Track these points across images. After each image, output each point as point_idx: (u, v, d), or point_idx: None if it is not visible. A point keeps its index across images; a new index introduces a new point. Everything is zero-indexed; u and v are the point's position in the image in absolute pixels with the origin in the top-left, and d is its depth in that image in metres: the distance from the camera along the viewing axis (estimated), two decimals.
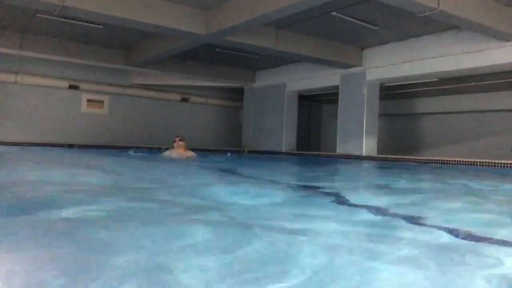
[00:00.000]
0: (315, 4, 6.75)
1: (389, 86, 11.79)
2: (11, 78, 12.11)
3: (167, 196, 3.02)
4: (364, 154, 10.78)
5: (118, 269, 1.24)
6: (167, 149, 8.97)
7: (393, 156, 10.60)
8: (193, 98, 15.76)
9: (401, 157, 10.42)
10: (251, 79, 14.63)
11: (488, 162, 8.72)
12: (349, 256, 1.48)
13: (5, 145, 11.17)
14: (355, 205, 2.85)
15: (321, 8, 7.59)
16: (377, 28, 9.01)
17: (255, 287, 1.14)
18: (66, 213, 2.09)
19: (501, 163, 8.48)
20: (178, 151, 8.19)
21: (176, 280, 1.18)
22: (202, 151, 11.45)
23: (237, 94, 15.82)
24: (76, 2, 7.18)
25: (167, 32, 8.77)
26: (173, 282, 1.16)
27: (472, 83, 11.70)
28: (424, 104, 15.03)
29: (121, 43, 11.58)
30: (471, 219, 2.52)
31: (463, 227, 2.12)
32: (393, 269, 1.36)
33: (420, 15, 6.86)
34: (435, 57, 9.37)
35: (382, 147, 12.47)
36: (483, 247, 1.72)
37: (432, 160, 9.82)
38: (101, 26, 9.61)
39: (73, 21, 9.23)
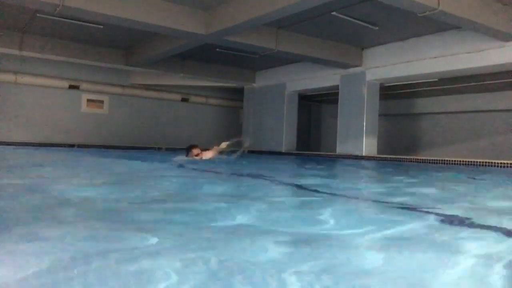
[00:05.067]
0: (315, 4, 6.75)
1: (389, 86, 11.79)
2: (11, 78, 12.11)
3: None
4: (364, 154, 10.78)
5: None
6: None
7: (393, 156, 10.60)
8: (193, 98, 15.76)
9: (401, 157, 10.42)
10: (251, 79, 14.63)
11: (488, 162, 8.72)
12: None
13: (5, 145, 11.17)
14: None
15: (321, 8, 7.59)
16: (377, 28, 9.01)
17: None
18: None
19: (501, 163, 8.48)
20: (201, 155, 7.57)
21: None
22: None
23: (237, 94, 15.82)
24: (76, 2, 7.17)
25: (167, 32, 8.77)
26: None
27: (472, 83, 11.70)
28: (424, 104, 15.04)
29: (121, 43, 11.57)
30: None
31: None
32: None
33: (420, 15, 6.86)
34: (435, 57, 9.37)
35: (382, 147, 12.48)
36: None
37: (432, 160, 9.82)
38: (101, 26, 9.61)
39: (73, 21, 9.23)
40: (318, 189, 3.62)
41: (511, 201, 3.58)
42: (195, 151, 7.41)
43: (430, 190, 3.97)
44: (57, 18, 8.96)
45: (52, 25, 9.86)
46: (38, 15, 8.91)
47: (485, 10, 7.26)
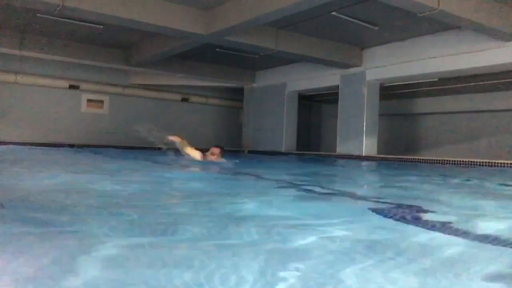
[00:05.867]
0: (315, 4, 6.75)
1: (389, 86, 11.79)
2: (11, 78, 12.11)
3: None
4: (364, 154, 10.78)
5: None
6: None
7: (393, 156, 10.61)
8: (193, 98, 15.76)
9: (401, 157, 10.42)
10: (251, 79, 14.63)
11: (488, 162, 8.72)
12: None
13: (5, 145, 11.17)
14: None
15: (321, 8, 7.58)
16: (377, 28, 9.01)
17: None
18: None
19: (501, 163, 8.48)
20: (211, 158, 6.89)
21: None
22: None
23: (237, 94, 15.82)
24: (76, 2, 7.17)
25: (167, 32, 8.77)
26: None
27: (472, 83, 11.70)
28: (424, 104, 15.03)
29: (121, 43, 11.57)
30: None
31: None
32: None
33: (420, 15, 6.86)
34: (435, 57, 9.37)
35: (382, 147, 12.47)
36: None
37: (432, 160, 9.82)
38: (101, 26, 9.61)
39: (73, 21, 9.23)
40: None
41: None
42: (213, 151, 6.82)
43: None
44: (57, 18, 8.96)
45: (52, 25, 9.86)
46: (38, 15, 8.91)
47: (485, 10, 7.26)
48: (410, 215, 2.48)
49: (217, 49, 11.00)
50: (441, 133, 14.98)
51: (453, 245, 1.75)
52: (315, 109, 18.26)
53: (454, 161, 9.29)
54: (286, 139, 13.39)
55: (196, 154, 6.76)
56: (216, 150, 6.81)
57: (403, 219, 2.28)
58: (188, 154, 6.78)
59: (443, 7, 6.57)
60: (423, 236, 1.93)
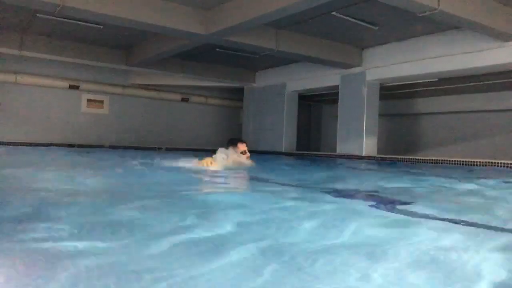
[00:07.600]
0: (315, 4, 6.75)
1: (389, 86, 11.79)
2: (11, 78, 12.11)
3: None
4: (364, 154, 10.78)
5: None
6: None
7: (392, 156, 10.61)
8: (193, 98, 15.76)
9: (401, 157, 10.42)
10: (251, 79, 14.63)
11: (488, 162, 8.72)
12: None
13: (5, 145, 11.18)
14: None
15: (321, 8, 7.59)
16: (377, 28, 9.01)
17: None
18: None
19: (501, 163, 8.48)
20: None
21: None
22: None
23: (237, 94, 15.82)
24: (76, 2, 7.17)
25: (167, 32, 8.77)
26: None
27: (472, 83, 11.70)
28: (424, 104, 15.03)
29: (121, 43, 11.57)
30: None
31: None
32: None
33: (420, 15, 6.86)
34: (435, 57, 9.37)
35: (382, 147, 12.47)
36: None
37: (432, 160, 9.81)
38: (101, 26, 9.61)
39: (73, 21, 9.23)
40: None
41: None
42: (242, 146, 5.67)
43: None
44: (57, 18, 8.96)
45: (52, 25, 9.86)
46: (38, 15, 8.91)
47: (485, 10, 7.26)
48: None
49: (217, 49, 11.00)
50: (441, 133, 14.98)
51: None
52: (315, 109, 18.27)
53: (454, 161, 9.29)
54: (286, 139, 13.39)
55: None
56: (242, 146, 5.61)
57: None
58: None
59: (443, 7, 6.57)
60: None
